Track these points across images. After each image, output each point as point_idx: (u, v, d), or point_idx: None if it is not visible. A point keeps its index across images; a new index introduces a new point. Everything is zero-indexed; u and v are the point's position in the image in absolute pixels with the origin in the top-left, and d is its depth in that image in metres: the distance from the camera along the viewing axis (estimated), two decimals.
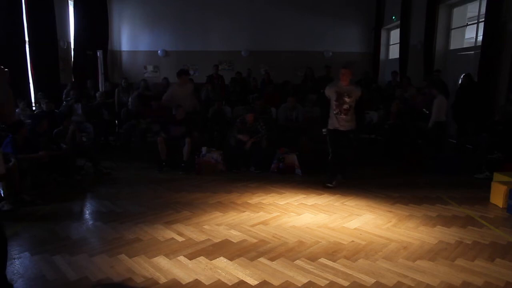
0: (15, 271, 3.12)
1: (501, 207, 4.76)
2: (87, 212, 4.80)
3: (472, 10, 9.28)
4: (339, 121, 5.42)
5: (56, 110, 7.64)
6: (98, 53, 11.67)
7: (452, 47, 9.45)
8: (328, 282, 2.98)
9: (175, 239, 3.76)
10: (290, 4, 12.62)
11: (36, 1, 8.51)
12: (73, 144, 6.04)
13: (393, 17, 11.59)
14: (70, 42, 10.64)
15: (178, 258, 3.36)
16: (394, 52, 12.25)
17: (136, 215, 4.41)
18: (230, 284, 2.95)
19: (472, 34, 9.28)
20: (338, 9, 12.81)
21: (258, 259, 3.34)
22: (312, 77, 10.44)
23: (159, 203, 4.85)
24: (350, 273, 3.13)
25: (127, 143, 8.08)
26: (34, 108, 8.31)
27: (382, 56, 12.75)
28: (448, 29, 9.48)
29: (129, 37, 13.23)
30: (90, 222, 4.39)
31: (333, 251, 3.52)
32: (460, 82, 8.27)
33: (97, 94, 8.70)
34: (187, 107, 6.86)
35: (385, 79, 11.58)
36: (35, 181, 5.24)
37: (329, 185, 5.51)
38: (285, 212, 4.54)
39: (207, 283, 2.95)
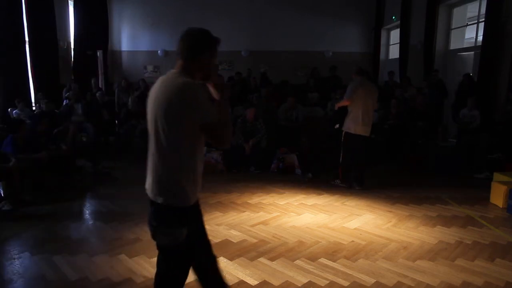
0: (15, 271, 3.13)
1: (501, 207, 4.76)
2: (87, 212, 4.80)
3: (472, 10, 9.28)
4: None
5: (56, 110, 7.64)
6: (98, 53, 11.66)
7: (452, 47, 9.44)
8: (328, 282, 2.98)
9: None
10: (290, 4, 12.60)
11: (36, 1, 8.51)
12: (73, 144, 6.04)
13: (393, 17, 11.58)
14: (70, 42, 10.64)
15: None
16: (394, 52, 12.24)
17: (136, 215, 4.40)
18: (230, 284, 2.94)
19: (472, 34, 9.28)
20: (338, 9, 12.80)
21: (258, 259, 3.34)
22: (317, 76, 10.47)
23: None
24: (350, 273, 3.13)
25: (127, 143, 8.08)
26: (34, 108, 8.31)
27: (382, 56, 12.74)
28: (448, 29, 9.48)
29: (129, 37, 13.22)
30: (90, 222, 4.39)
31: (333, 251, 3.52)
32: (460, 82, 8.27)
33: (97, 94, 8.71)
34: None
35: (385, 79, 11.57)
36: (35, 181, 5.24)
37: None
38: (285, 212, 4.54)
39: None
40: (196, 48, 1.95)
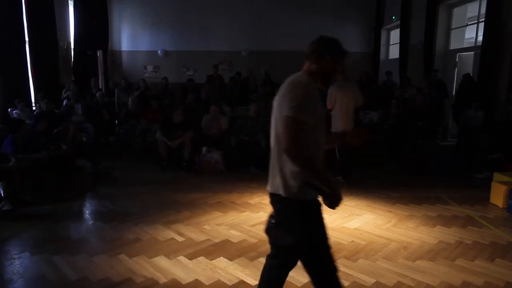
0: (15, 271, 3.13)
1: (501, 207, 4.76)
2: (87, 212, 4.80)
3: (472, 10, 9.28)
4: None
5: (56, 110, 7.64)
6: (98, 53, 11.67)
7: (452, 47, 9.45)
8: None
9: (175, 239, 3.76)
10: (290, 4, 12.61)
11: (36, 1, 8.51)
12: (73, 144, 6.04)
13: (393, 17, 11.59)
14: (70, 42, 10.64)
15: (178, 258, 3.36)
16: (394, 52, 12.24)
17: (136, 215, 4.41)
18: (230, 284, 2.95)
19: (472, 34, 9.28)
20: (338, 9, 12.81)
21: (258, 259, 3.34)
22: None
23: (159, 203, 4.85)
24: (350, 273, 3.13)
25: (127, 143, 8.08)
26: (34, 108, 8.31)
27: (382, 56, 12.74)
28: (448, 29, 9.48)
29: (129, 37, 13.22)
30: (90, 222, 4.39)
31: (333, 251, 3.48)
32: (460, 82, 8.27)
33: (97, 94, 8.71)
34: None
35: (384, 79, 11.58)
36: (35, 181, 5.24)
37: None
38: None
39: (207, 283, 2.95)
40: (320, 52, 2.04)
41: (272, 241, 2.15)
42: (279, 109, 1.97)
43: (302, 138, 1.89)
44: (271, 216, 2.15)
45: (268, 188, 2.12)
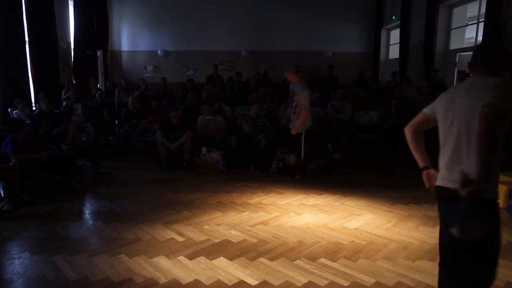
0: (15, 271, 3.13)
1: (501, 207, 4.76)
2: (87, 212, 4.80)
3: (472, 10, 9.28)
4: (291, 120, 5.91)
5: (56, 110, 7.64)
6: (98, 53, 11.67)
7: (452, 47, 9.45)
8: (328, 282, 2.98)
9: (175, 239, 3.76)
10: (290, 4, 12.61)
11: (36, 1, 8.51)
12: (73, 144, 6.04)
13: (393, 17, 11.59)
14: (70, 42, 10.64)
15: (178, 258, 3.36)
16: (394, 52, 12.25)
17: (136, 215, 4.41)
18: (230, 284, 2.95)
19: (472, 34, 9.28)
20: (338, 9, 12.80)
21: (258, 259, 3.34)
22: (318, 76, 10.48)
23: (159, 203, 4.85)
24: (350, 273, 3.13)
25: (127, 143, 8.08)
26: (34, 108, 8.31)
27: (382, 56, 12.74)
28: (448, 29, 9.48)
29: (129, 37, 13.23)
30: (90, 222, 4.39)
31: (333, 251, 3.52)
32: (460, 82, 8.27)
33: (97, 94, 8.71)
34: None
35: (385, 79, 11.58)
36: (35, 181, 5.24)
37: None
38: (285, 212, 4.55)
39: (207, 283, 2.96)
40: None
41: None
42: (477, 102, 1.92)
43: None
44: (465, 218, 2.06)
45: (450, 183, 2.09)
